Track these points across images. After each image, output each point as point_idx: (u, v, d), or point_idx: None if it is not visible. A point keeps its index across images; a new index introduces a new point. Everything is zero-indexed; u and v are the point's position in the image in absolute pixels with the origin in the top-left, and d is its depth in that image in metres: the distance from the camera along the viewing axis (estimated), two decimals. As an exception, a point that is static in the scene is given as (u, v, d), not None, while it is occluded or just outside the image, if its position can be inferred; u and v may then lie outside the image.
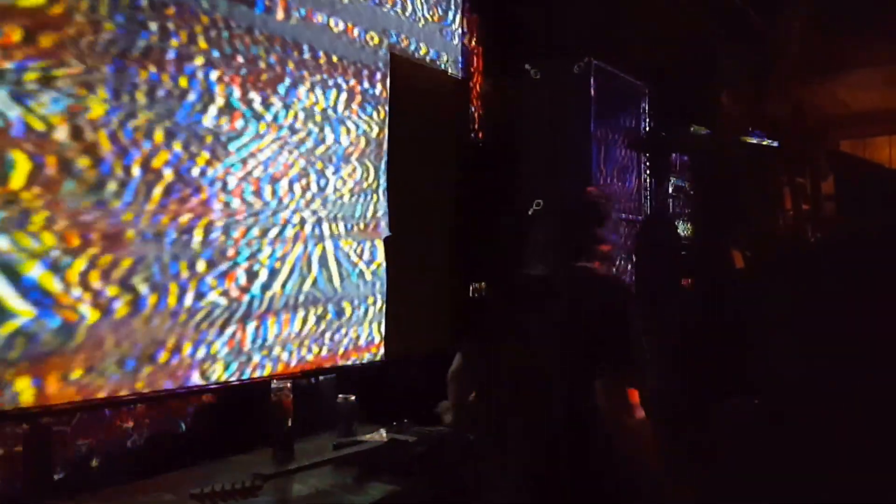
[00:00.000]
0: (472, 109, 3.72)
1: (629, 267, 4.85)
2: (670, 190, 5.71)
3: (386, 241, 3.05)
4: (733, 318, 4.69)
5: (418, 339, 3.06)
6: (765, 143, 5.90)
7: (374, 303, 3.01)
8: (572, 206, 2.12)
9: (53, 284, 1.97)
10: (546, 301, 1.95)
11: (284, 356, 2.62)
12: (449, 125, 3.48)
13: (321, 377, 2.76)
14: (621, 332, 1.88)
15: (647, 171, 5.39)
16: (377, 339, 3.01)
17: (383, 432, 2.38)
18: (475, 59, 3.78)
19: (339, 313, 2.85)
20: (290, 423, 2.28)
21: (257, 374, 2.51)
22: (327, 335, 2.79)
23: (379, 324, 3.01)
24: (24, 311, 1.90)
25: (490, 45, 3.84)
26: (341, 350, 2.85)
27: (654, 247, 4.59)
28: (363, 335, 2.95)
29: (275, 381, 2.33)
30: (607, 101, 4.11)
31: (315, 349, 2.75)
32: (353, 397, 2.52)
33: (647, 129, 5.23)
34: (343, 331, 2.86)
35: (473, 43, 3.74)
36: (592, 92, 3.94)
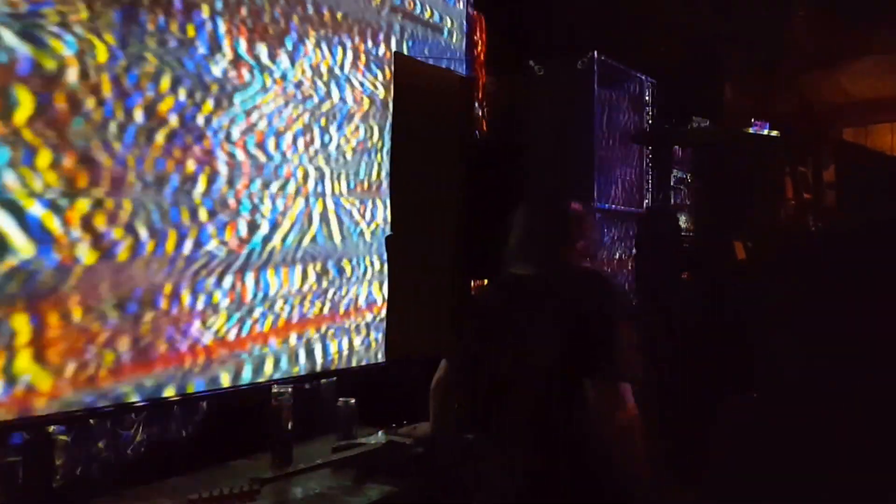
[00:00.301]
0: (477, 106, 3.71)
1: (630, 260, 4.86)
2: (672, 182, 5.73)
3: (388, 241, 3.04)
4: (734, 314, 4.69)
5: (420, 339, 3.05)
6: (767, 133, 5.92)
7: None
8: (550, 204, 2.10)
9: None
10: (535, 300, 1.93)
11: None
12: (452, 123, 3.47)
13: (322, 381, 2.77)
14: (609, 327, 1.86)
15: (650, 164, 5.40)
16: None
17: (381, 434, 2.40)
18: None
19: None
20: (290, 428, 2.28)
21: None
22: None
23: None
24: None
25: (493, 42, 3.83)
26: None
27: (656, 240, 4.58)
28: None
29: (275, 385, 2.33)
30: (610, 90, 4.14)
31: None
32: (352, 400, 2.53)
33: (650, 121, 5.25)
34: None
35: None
36: (596, 87, 3.95)
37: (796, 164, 6.14)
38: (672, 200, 5.68)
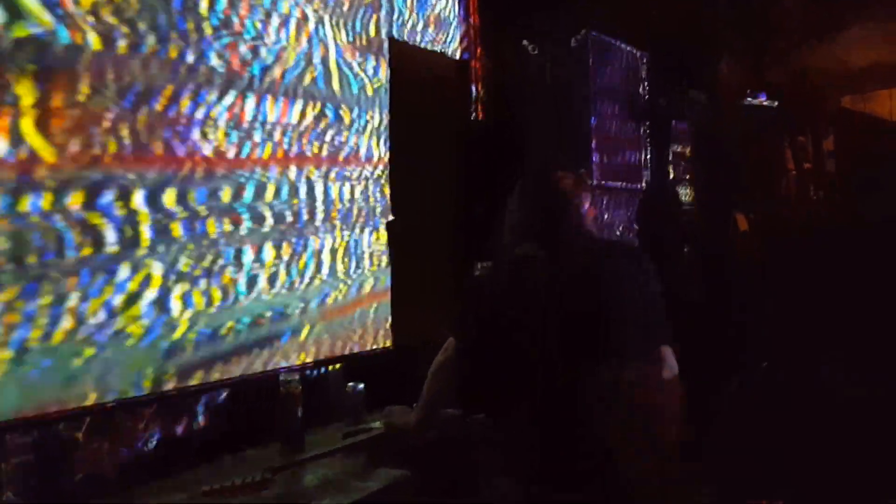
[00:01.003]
0: (473, 88, 3.75)
1: (631, 236, 4.89)
2: (670, 156, 5.81)
3: (390, 227, 3.09)
4: (736, 289, 4.69)
5: (427, 324, 3.07)
6: (765, 104, 6.02)
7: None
8: (547, 182, 2.11)
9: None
10: (552, 279, 1.92)
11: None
12: (450, 107, 3.55)
13: (329, 367, 2.80)
14: (645, 294, 1.90)
15: (648, 139, 5.48)
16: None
17: None
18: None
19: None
20: (299, 415, 2.31)
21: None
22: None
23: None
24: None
25: (487, 21, 3.86)
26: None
27: (656, 214, 4.64)
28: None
29: (283, 373, 2.36)
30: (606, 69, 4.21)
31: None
32: (361, 385, 2.56)
33: (647, 96, 5.35)
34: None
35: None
36: (591, 64, 4.02)
37: (795, 134, 6.21)
38: (671, 175, 5.73)
